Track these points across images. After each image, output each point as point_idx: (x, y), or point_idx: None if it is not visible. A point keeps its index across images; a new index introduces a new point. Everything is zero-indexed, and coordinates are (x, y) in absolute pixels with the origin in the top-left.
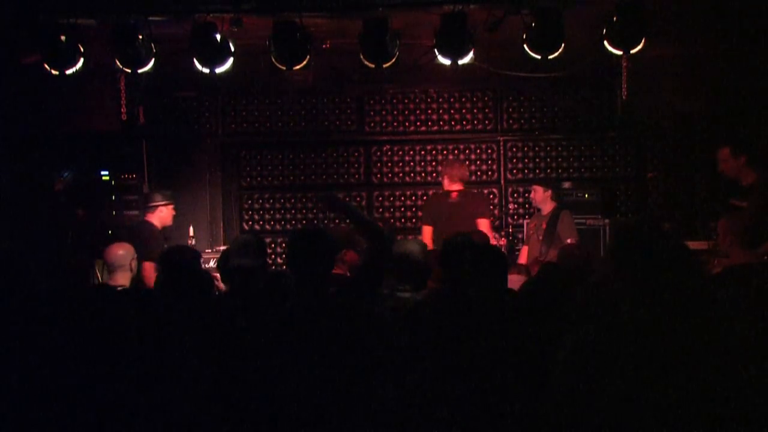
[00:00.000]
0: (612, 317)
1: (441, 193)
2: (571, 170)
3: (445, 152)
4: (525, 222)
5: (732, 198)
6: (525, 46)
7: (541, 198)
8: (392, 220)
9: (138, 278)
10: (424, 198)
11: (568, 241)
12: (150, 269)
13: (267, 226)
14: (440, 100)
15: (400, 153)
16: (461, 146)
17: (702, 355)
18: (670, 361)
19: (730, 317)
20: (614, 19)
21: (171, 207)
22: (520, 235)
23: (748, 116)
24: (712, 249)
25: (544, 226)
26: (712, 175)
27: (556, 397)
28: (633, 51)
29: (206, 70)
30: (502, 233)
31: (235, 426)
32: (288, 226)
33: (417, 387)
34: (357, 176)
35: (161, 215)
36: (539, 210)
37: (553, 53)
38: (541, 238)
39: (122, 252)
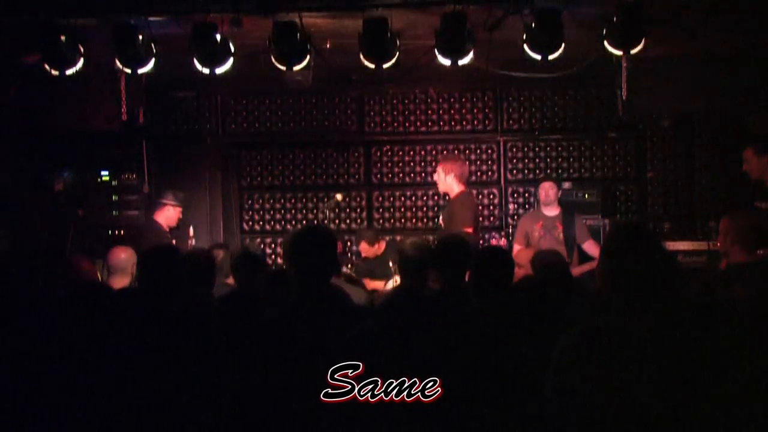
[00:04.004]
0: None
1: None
2: (571, 170)
3: (445, 152)
4: (522, 221)
5: (756, 200)
6: (525, 46)
7: (555, 197)
8: (392, 220)
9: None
10: (424, 198)
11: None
12: None
13: (267, 226)
14: (440, 100)
15: (400, 153)
16: (461, 146)
17: (699, 357)
18: (664, 366)
19: (729, 316)
20: (614, 19)
21: (179, 210)
22: None
23: (749, 116)
24: (711, 249)
25: (559, 227)
26: (715, 174)
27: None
28: (633, 51)
29: (206, 71)
30: (503, 233)
31: (236, 425)
32: (288, 226)
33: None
34: (357, 176)
35: (167, 215)
36: (540, 209)
37: (553, 53)
38: (561, 238)
39: (124, 256)
